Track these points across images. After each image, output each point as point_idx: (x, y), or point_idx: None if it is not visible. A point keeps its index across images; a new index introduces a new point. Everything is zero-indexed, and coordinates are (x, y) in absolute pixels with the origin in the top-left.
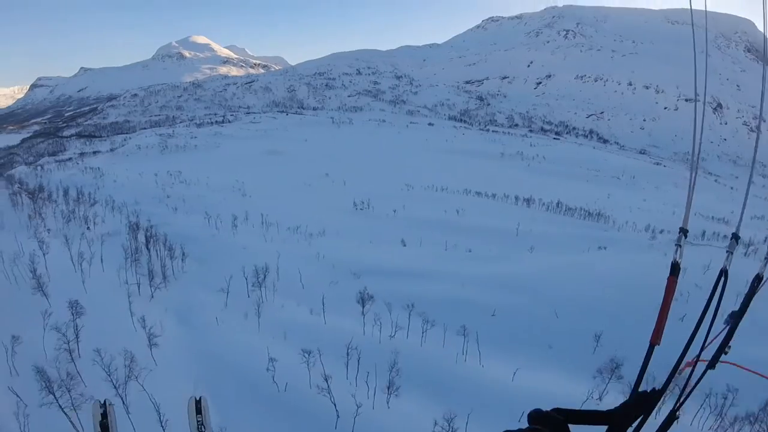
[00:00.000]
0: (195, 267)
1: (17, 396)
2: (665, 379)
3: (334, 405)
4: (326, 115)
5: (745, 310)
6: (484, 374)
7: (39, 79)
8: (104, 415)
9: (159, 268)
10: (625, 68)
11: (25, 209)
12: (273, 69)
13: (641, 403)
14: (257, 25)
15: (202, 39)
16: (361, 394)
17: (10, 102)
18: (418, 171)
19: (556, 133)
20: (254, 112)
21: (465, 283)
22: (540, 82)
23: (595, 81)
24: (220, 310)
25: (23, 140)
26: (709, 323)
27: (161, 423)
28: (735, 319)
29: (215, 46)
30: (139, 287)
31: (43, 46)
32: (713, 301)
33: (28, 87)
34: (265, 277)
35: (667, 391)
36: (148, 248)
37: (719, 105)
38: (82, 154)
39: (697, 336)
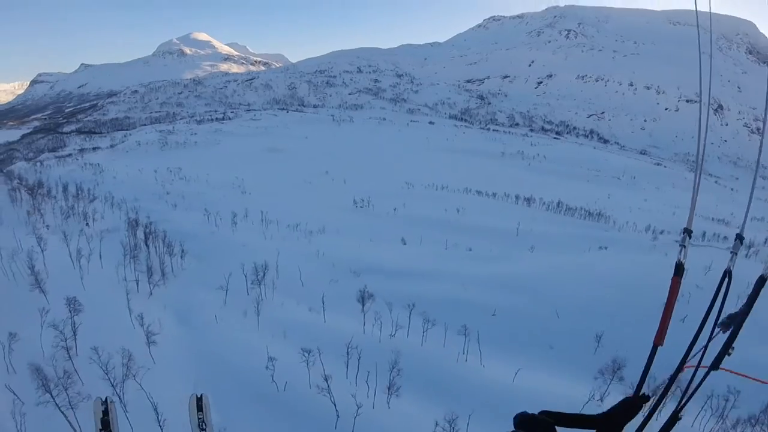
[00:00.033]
0: (194, 264)
1: (14, 394)
2: (662, 383)
3: (334, 405)
4: (327, 112)
5: (749, 312)
6: (484, 375)
7: (39, 75)
8: (105, 412)
9: (158, 265)
10: (627, 69)
11: (24, 205)
12: (274, 66)
13: (628, 408)
14: (258, 22)
15: (203, 36)
16: (361, 394)
17: (10, 98)
18: (419, 169)
19: (557, 133)
20: (255, 110)
21: (465, 282)
22: (541, 82)
23: (596, 81)
24: (219, 308)
25: (23, 136)
26: (712, 325)
27: (159, 423)
28: (738, 321)
29: (216, 43)
30: (137, 284)
31: (44, 42)
32: (717, 302)
33: (28, 83)
34: (264, 274)
35: (668, 394)
36: (147, 245)
37: (720, 106)
38: (81, 150)
39: (700, 338)
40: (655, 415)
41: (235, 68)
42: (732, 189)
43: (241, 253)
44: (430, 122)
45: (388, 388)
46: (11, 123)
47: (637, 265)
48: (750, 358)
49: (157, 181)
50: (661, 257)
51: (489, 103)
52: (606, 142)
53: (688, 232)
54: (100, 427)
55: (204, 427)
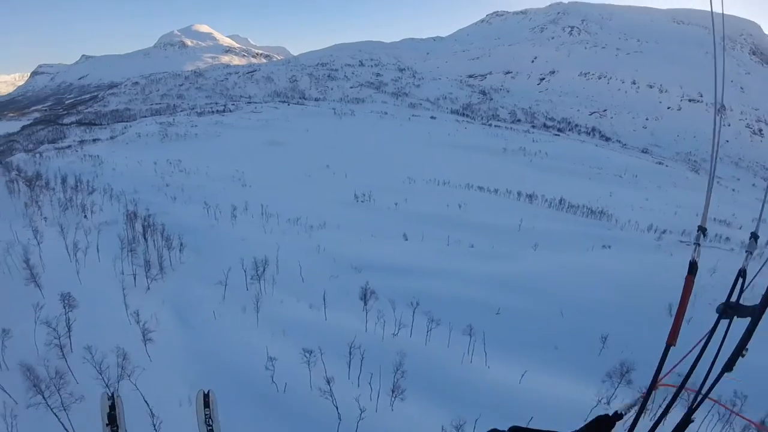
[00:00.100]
0: (193, 258)
1: (6, 392)
2: (637, 399)
3: (336, 408)
4: (328, 106)
5: (763, 312)
6: (490, 376)
7: (40, 66)
8: (112, 407)
9: (156, 259)
10: (629, 67)
11: (22, 197)
12: (275, 59)
13: (602, 425)
14: (260, 15)
15: (204, 28)
16: (364, 396)
17: (10, 89)
18: (420, 164)
19: (559, 130)
20: (256, 102)
21: (468, 280)
22: (543, 78)
23: (599, 78)
24: (217, 304)
25: (23, 127)
26: (725, 329)
27: (154, 426)
28: (752, 321)
29: (217, 35)
30: (135, 278)
31: (45, 33)
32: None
33: (29, 74)
34: (264, 269)
35: (644, 412)
36: (145, 238)
37: (722, 107)
38: (81, 142)
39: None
40: (666, 417)
41: (236, 60)
42: (733, 190)
43: (241, 247)
44: (432, 117)
45: (392, 391)
46: (11, 114)
47: (642, 265)
48: (754, 363)
49: (156, 173)
50: (665, 257)
51: (491, 99)
52: (608, 139)
53: (702, 229)
54: (107, 422)
55: (211, 423)
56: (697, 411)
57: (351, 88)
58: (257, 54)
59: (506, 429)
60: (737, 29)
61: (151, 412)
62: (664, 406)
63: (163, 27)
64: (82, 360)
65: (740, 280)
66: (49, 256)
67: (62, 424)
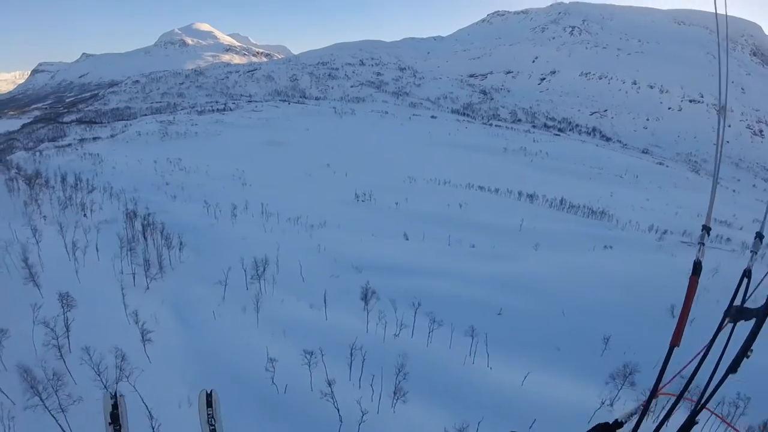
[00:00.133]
0: (192, 257)
1: (4, 394)
2: (638, 407)
3: (337, 410)
4: (328, 105)
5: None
6: (492, 378)
7: (40, 64)
8: (115, 406)
9: (155, 258)
10: (630, 67)
11: (22, 195)
12: (276, 58)
13: None
14: (261, 14)
15: (205, 26)
16: (366, 398)
17: (11, 87)
18: (421, 163)
19: (559, 130)
20: (256, 101)
21: (470, 280)
22: (544, 78)
23: (600, 79)
24: (217, 304)
25: (24, 126)
26: (731, 328)
27: (153, 428)
28: (757, 322)
29: (218, 33)
30: (134, 277)
31: (45, 32)
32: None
33: (29, 72)
34: (264, 269)
35: (645, 418)
36: (144, 237)
37: (723, 107)
38: (82, 140)
39: (712, 343)
40: (669, 419)
41: (236, 59)
42: (734, 190)
43: (241, 246)
44: (433, 116)
45: (394, 393)
46: (12, 112)
47: (644, 266)
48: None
49: (156, 171)
50: (667, 258)
51: (491, 99)
52: (608, 140)
53: (706, 229)
54: (110, 421)
55: (213, 423)
56: (700, 413)
57: (351, 87)
58: (258, 53)
59: None
60: (738, 30)
61: (150, 414)
62: (666, 410)
63: (164, 25)
64: (80, 361)
65: (745, 281)
66: (48, 255)
67: (60, 426)
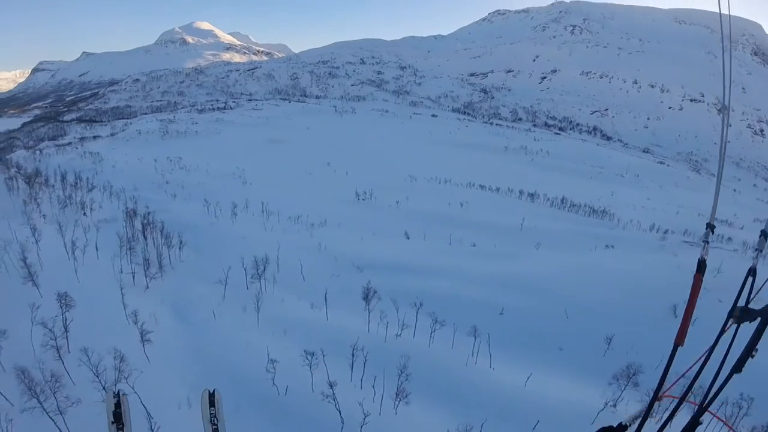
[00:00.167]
0: (192, 256)
1: (2, 395)
2: (641, 410)
3: (339, 412)
4: (329, 103)
5: None
6: (495, 379)
7: (41, 63)
8: (117, 405)
9: (155, 257)
10: (631, 66)
11: (21, 194)
12: (276, 56)
13: None
14: (261, 12)
15: (205, 25)
16: (368, 399)
17: (11, 86)
18: (421, 162)
19: (560, 129)
20: (256, 99)
21: (471, 280)
22: (545, 77)
23: (601, 78)
24: (217, 304)
25: (24, 124)
26: (734, 330)
27: (152, 429)
28: (762, 322)
29: (219, 32)
30: (133, 277)
31: (46, 31)
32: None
33: (29, 71)
34: (264, 268)
35: (647, 420)
36: (144, 236)
37: (725, 107)
38: (82, 139)
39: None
40: (673, 419)
41: (237, 58)
42: (734, 190)
43: (241, 245)
44: (433, 115)
45: (396, 394)
46: (12, 111)
47: (646, 266)
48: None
49: (156, 170)
50: (670, 258)
51: (492, 97)
52: (609, 139)
53: (710, 227)
54: (112, 420)
55: (216, 422)
56: (704, 414)
57: (352, 85)
58: (258, 51)
59: None
60: (739, 30)
61: (149, 415)
62: (670, 411)
63: (164, 24)
64: (79, 362)
65: (750, 279)
66: (47, 254)
67: (59, 428)
